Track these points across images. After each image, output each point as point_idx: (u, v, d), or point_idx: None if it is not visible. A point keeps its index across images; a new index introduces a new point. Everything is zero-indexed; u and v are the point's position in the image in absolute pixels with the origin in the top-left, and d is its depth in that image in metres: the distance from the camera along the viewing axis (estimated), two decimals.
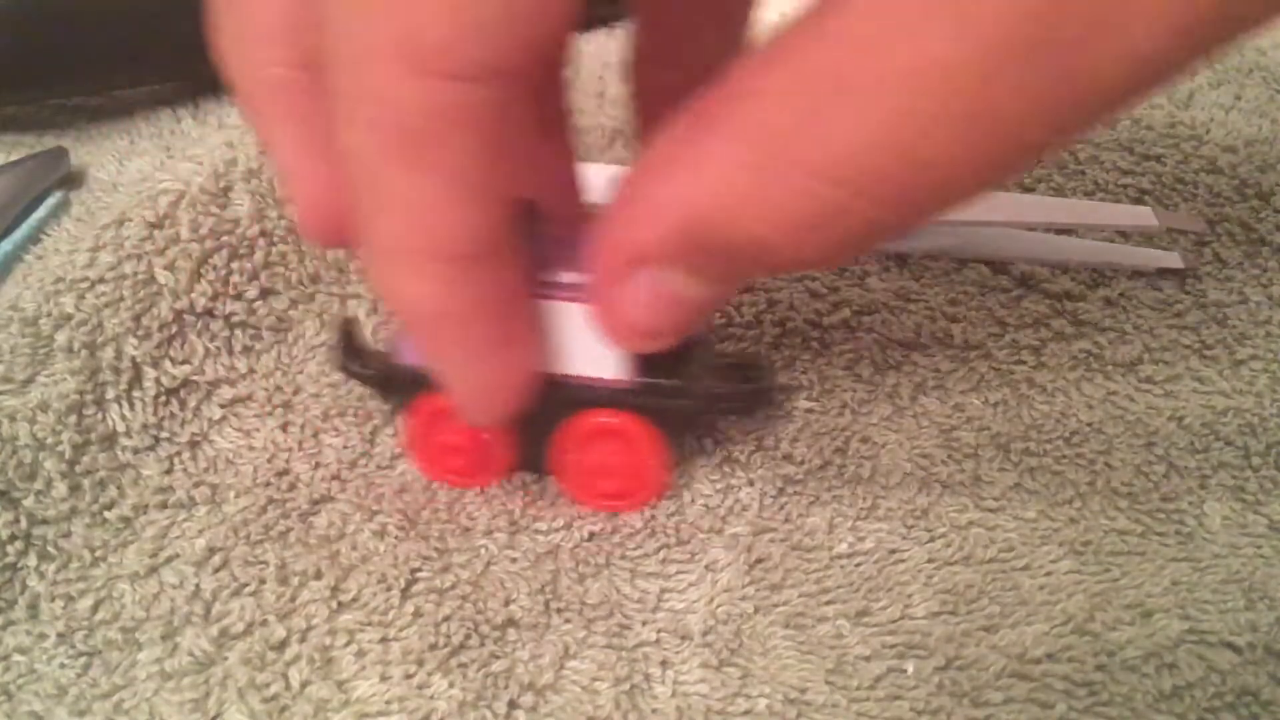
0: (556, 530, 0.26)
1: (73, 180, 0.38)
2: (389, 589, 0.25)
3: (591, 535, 0.26)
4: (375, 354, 0.27)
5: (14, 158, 0.38)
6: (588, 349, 0.24)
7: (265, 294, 0.31)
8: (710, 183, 0.19)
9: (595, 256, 0.21)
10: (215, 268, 0.30)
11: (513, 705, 0.23)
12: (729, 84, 0.18)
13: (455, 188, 0.19)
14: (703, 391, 0.26)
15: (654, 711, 0.23)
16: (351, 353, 0.27)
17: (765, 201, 0.18)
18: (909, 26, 0.16)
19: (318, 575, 0.25)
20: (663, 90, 0.23)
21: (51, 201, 0.36)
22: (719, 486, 0.27)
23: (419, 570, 0.25)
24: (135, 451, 0.28)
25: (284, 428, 0.29)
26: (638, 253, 0.20)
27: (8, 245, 0.34)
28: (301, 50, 0.21)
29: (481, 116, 0.19)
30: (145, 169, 0.38)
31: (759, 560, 0.26)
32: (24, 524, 0.26)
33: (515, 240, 0.21)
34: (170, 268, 0.30)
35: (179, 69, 0.42)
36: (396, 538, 0.26)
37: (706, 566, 0.26)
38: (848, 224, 0.18)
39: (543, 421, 0.25)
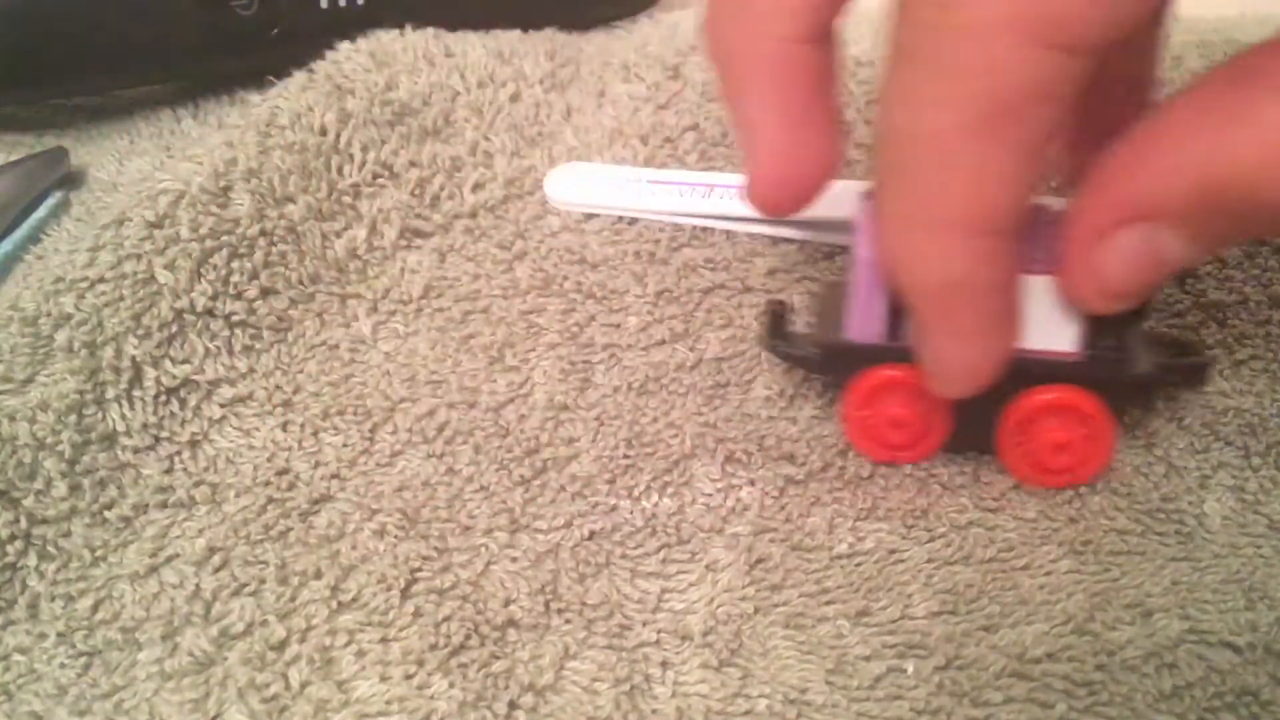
0: (556, 529, 0.26)
1: (73, 180, 0.38)
2: (389, 589, 0.25)
3: (592, 534, 0.26)
4: (804, 335, 0.28)
5: (14, 158, 0.38)
6: (1038, 322, 0.24)
7: (265, 293, 0.31)
8: (1249, 142, 0.18)
9: (1079, 212, 0.21)
10: (215, 267, 0.30)
11: (513, 706, 0.23)
12: (1268, 47, 0.18)
13: (1025, 163, 0.20)
14: (1150, 364, 0.26)
15: (654, 712, 0.23)
16: (780, 334, 0.28)
17: None
18: None
19: (318, 575, 0.25)
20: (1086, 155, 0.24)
21: (51, 201, 0.36)
22: (720, 486, 0.27)
23: (419, 570, 0.25)
24: (135, 451, 0.28)
25: (284, 427, 0.29)
26: (1136, 210, 0.20)
27: (8, 245, 0.34)
28: (811, 24, 0.22)
29: (1071, 91, 0.19)
30: (145, 169, 0.38)
31: (759, 560, 0.26)
32: (24, 524, 0.26)
33: None
34: (170, 267, 0.30)
35: (179, 69, 0.42)
36: (396, 537, 0.26)
37: (707, 566, 0.26)
38: None
39: (989, 397, 0.25)
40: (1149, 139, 0.20)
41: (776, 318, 0.29)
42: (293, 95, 0.34)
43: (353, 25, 0.38)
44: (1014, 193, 0.20)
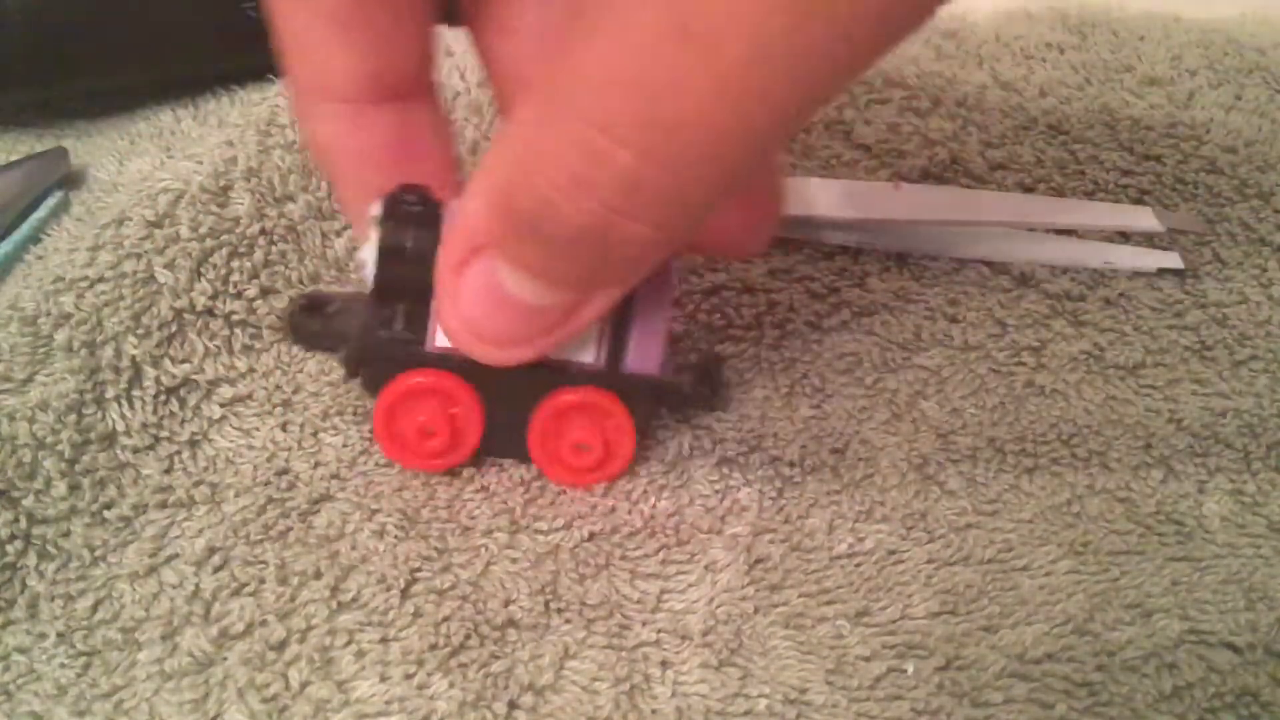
0: (557, 530, 0.26)
1: (73, 180, 0.38)
2: (389, 589, 0.25)
3: (592, 535, 0.26)
4: (335, 331, 0.28)
5: (14, 158, 0.38)
6: None
7: (265, 293, 0.31)
8: (511, 146, 0.19)
9: (442, 244, 0.22)
10: (215, 266, 0.30)
11: (513, 706, 0.23)
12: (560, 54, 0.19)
13: (334, 25, 0.21)
14: (667, 386, 0.27)
15: (654, 712, 0.23)
16: (308, 328, 0.28)
17: (545, 154, 0.18)
18: None
19: (317, 575, 0.25)
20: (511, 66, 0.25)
21: (51, 201, 0.36)
22: (718, 487, 0.27)
23: (419, 570, 0.25)
24: (135, 451, 0.28)
25: (284, 426, 0.29)
26: (468, 238, 0.21)
27: (8, 245, 0.34)
28: (332, 103, 0.23)
29: None
30: (145, 169, 0.37)
31: (759, 560, 0.26)
32: (23, 523, 0.26)
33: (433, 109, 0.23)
34: (170, 266, 0.30)
35: (188, 68, 0.42)
36: (396, 537, 0.26)
37: (706, 567, 0.26)
38: (613, 175, 0.18)
39: (517, 404, 0.26)
40: (481, 167, 0.21)
41: (307, 309, 0.28)
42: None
43: None
44: (343, 58, 0.22)
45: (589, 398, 0.26)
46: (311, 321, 0.27)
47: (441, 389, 0.26)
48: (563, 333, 0.22)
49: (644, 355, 0.25)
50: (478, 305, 0.22)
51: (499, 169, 0.20)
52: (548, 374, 0.25)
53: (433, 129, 0.24)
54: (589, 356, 0.25)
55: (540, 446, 0.27)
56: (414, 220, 0.24)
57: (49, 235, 0.35)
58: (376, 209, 0.24)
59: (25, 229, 0.35)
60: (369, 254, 0.24)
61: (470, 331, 0.22)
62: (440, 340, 0.25)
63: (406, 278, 0.24)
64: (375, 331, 0.26)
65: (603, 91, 0.17)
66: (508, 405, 0.26)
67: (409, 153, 0.23)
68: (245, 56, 0.41)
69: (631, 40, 0.17)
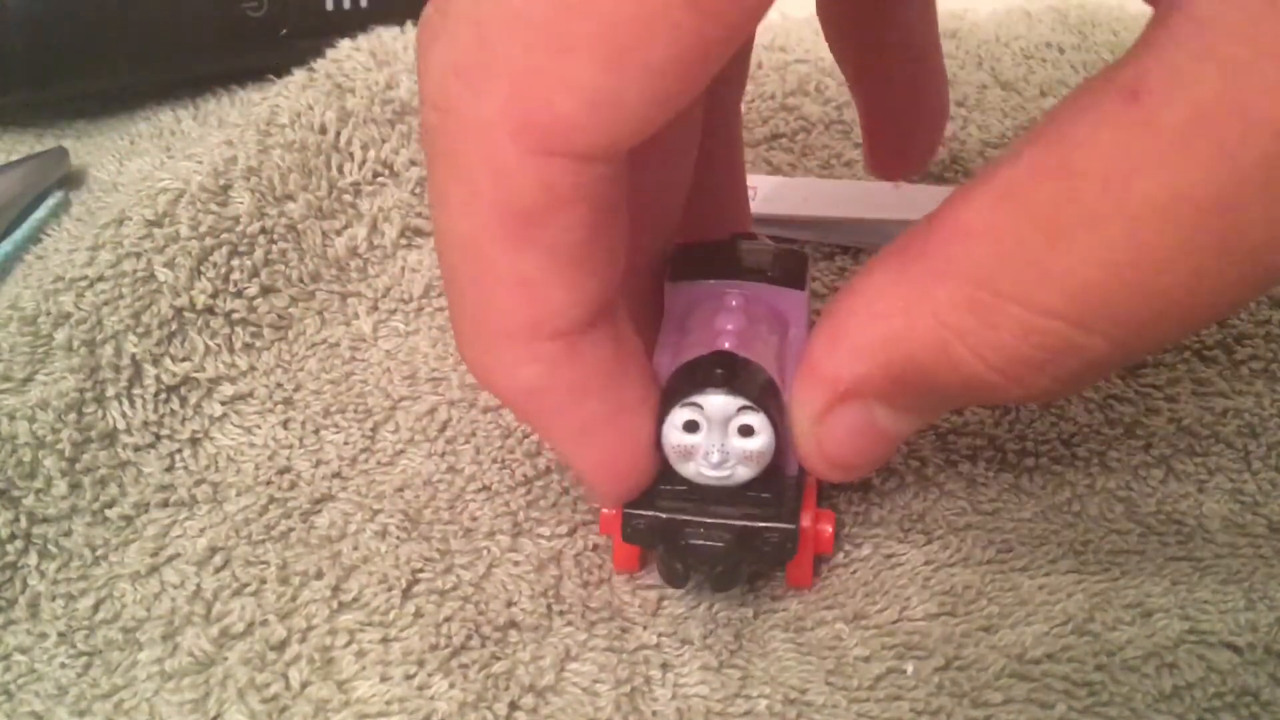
0: (560, 536, 0.26)
1: (73, 180, 0.38)
2: (390, 589, 0.25)
3: (595, 546, 0.26)
4: None
5: (14, 158, 0.38)
6: None
7: (265, 291, 0.31)
8: (921, 320, 0.19)
9: (797, 392, 0.21)
10: (215, 265, 0.30)
11: (513, 707, 0.23)
12: (939, 220, 0.18)
13: (564, 264, 0.19)
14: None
15: (654, 714, 0.23)
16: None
17: (984, 341, 0.18)
18: (1153, 159, 0.16)
19: (319, 575, 0.25)
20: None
21: (51, 201, 0.36)
22: None
23: (421, 571, 0.25)
24: (136, 449, 0.28)
25: (285, 424, 0.29)
26: (842, 389, 0.20)
27: (8, 245, 0.34)
28: (548, 341, 0.20)
29: (600, 192, 0.18)
30: (145, 169, 0.38)
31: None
32: (24, 523, 0.26)
33: (632, 302, 0.22)
34: (170, 265, 0.30)
35: (190, 68, 0.42)
36: (398, 538, 0.26)
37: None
38: (1076, 360, 0.18)
39: None
40: (840, 318, 0.20)
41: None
42: (293, 94, 0.34)
43: (359, 26, 0.38)
44: (565, 295, 0.19)
45: None
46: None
47: None
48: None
49: None
50: (847, 444, 0.21)
51: (894, 339, 0.19)
52: None
53: (633, 336, 0.22)
54: None
55: None
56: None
57: (49, 235, 0.35)
58: (728, 403, 0.22)
59: (25, 229, 0.35)
60: (714, 446, 0.22)
61: (833, 465, 0.22)
62: None
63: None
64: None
65: (1074, 281, 0.17)
66: None
67: (625, 358, 0.21)
68: (245, 56, 0.42)
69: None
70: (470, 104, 0.17)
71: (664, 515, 0.23)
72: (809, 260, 0.25)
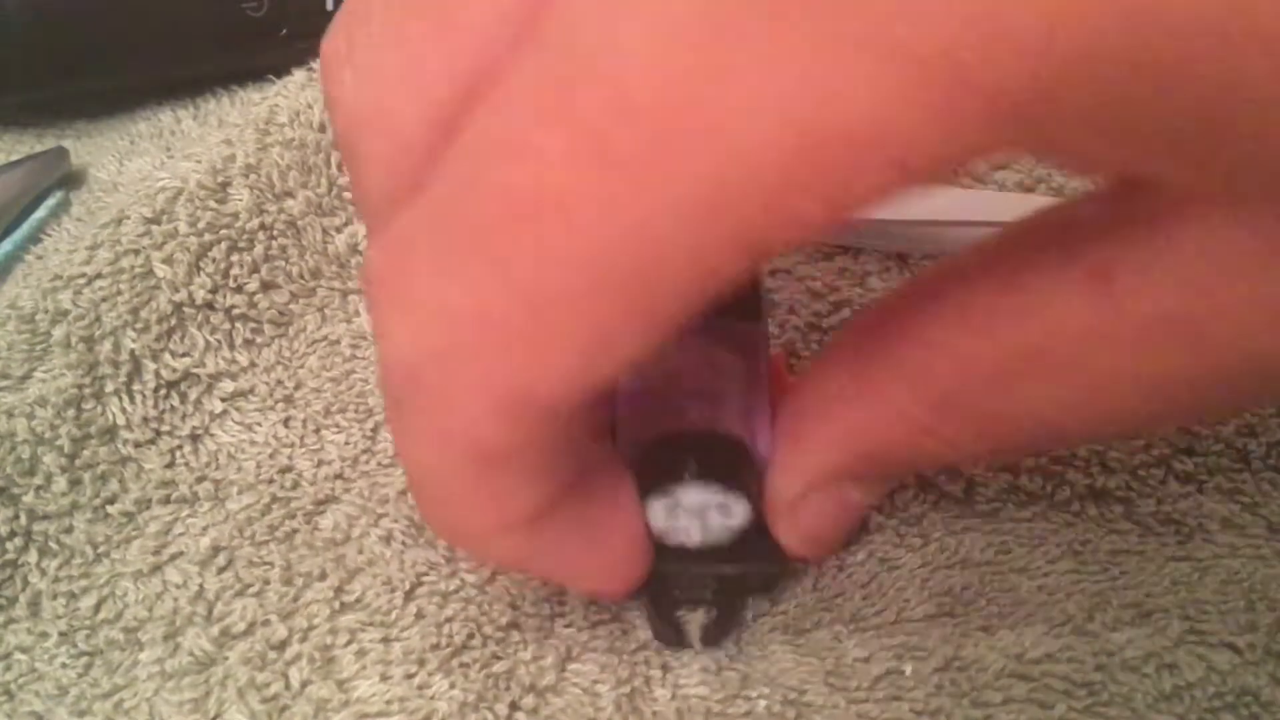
0: None
1: (73, 180, 0.38)
2: (393, 591, 0.25)
3: None
4: None
5: (14, 158, 0.38)
6: None
7: (266, 287, 0.31)
8: (886, 419, 0.20)
9: (771, 485, 0.22)
10: (214, 260, 0.30)
11: (514, 707, 0.23)
12: (892, 316, 0.20)
13: (530, 477, 0.19)
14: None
15: (654, 714, 0.23)
16: None
17: (949, 432, 0.19)
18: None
19: (322, 577, 0.25)
20: None
21: (51, 201, 0.36)
22: None
23: (425, 575, 0.25)
24: (136, 445, 0.28)
25: (286, 422, 0.29)
26: (816, 479, 0.22)
27: (8, 245, 0.34)
28: (519, 529, 0.20)
29: (568, 423, 0.18)
30: (145, 168, 0.38)
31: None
32: (24, 520, 0.26)
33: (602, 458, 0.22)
34: (168, 261, 0.30)
35: (189, 68, 0.42)
36: (404, 543, 0.26)
37: None
38: (1028, 442, 0.20)
39: None
40: (807, 414, 0.22)
41: None
42: (292, 93, 0.34)
43: None
44: (533, 495, 0.19)
45: None
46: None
47: None
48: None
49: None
50: (824, 523, 0.23)
51: (864, 433, 0.21)
52: None
53: (610, 478, 0.22)
54: None
55: None
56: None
57: (49, 235, 0.35)
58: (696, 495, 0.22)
59: (25, 229, 0.35)
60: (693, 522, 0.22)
61: (814, 543, 0.23)
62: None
63: None
64: None
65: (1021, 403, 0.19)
66: None
67: (595, 504, 0.22)
68: (245, 56, 0.41)
69: None
70: (440, 382, 0.17)
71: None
72: (761, 285, 0.26)
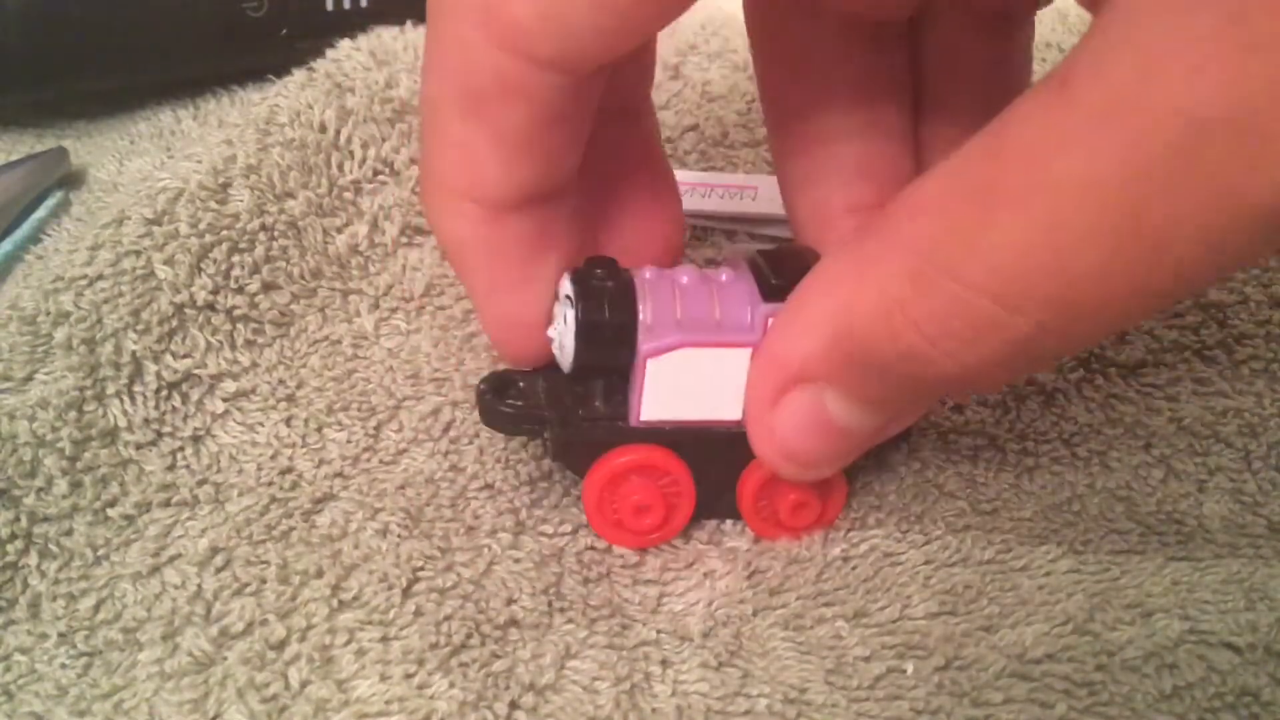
0: (563, 535, 0.26)
1: (73, 180, 0.38)
2: (390, 588, 0.25)
3: (593, 546, 0.26)
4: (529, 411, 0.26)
5: (14, 158, 0.38)
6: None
7: (266, 287, 0.31)
8: (866, 291, 0.19)
9: (750, 377, 0.22)
10: (215, 261, 0.30)
11: (514, 705, 0.23)
12: (898, 199, 0.19)
13: (502, 145, 0.21)
14: None
15: (654, 711, 0.23)
16: (498, 411, 0.26)
17: (921, 312, 0.18)
18: (1070, 141, 0.16)
19: (319, 574, 0.25)
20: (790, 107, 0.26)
21: (51, 201, 0.36)
22: None
23: (421, 569, 0.25)
24: (137, 447, 0.28)
25: (287, 422, 0.29)
26: (793, 370, 0.21)
27: (8, 245, 0.34)
28: (477, 204, 0.23)
29: (545, 97, 0.21)
30: (145, 168, 0.38)
31: (756, 570, 0.26)
32: (24, 522, 0.26)
33: (570, 202, 0.24)
34: (169, 262, 0.30)
35: (190, 68, 0.42)
36: (399, 536, 0.26)
37: (705, 574, 0.26)
38: (1002, 340, 0.18)
39: (726, 468, 0.25)
40: (797, 298, 0.21)
41: (497, 391, 0.26)
42: (292, 93, 0.34)
43: (359, 26, 0.38)
44: (498, 171, 0.22)
45: None
46: (503, 404, 0.25)
47: (651, 464, 0.25)
48: (866, 448, 0.23)
49: None
50: (798, 433, 0.22)
51: (840, 309, 0.20)
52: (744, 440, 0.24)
53: (568, 220, 0.24)
54: None
55: (753, 507, 0.26)
56: (609, 295, 0.23)
57: (49, 235, 0.35)
58: (567, 286, 0.24)
59: (25, 229, 0.35)
60: (561, 333, 0.24)
61: (787, 457, 0.23)
62: (645, 414, 0.24)
63: (605, 355, 0.24)
64: (576, 413, 0.25)
65: (997, 257, 0.17)
66: (717, 470, 0.25)
67: (543, 245, 0.24)
68: (245, 56, 0.42)
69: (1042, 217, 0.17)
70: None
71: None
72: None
